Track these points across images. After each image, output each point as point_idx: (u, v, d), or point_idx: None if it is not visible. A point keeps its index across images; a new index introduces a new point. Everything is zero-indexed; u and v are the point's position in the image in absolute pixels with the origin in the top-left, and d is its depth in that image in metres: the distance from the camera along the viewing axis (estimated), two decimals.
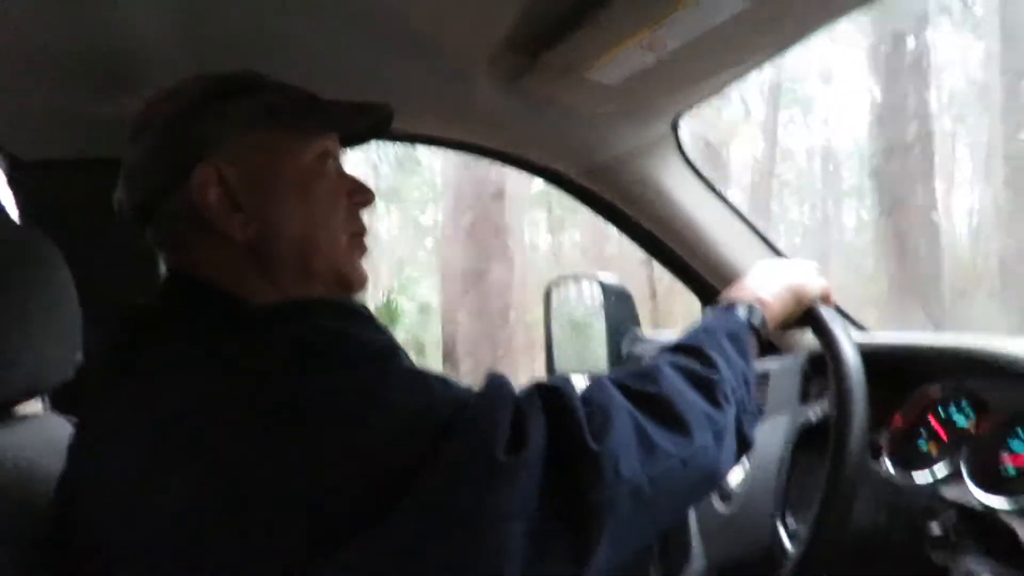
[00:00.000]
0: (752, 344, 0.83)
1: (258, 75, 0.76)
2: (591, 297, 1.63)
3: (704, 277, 1.42)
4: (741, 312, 0.84)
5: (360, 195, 0.78)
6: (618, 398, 0.67)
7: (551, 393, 0.64)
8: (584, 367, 1.66)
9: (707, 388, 0.72)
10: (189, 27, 0.97)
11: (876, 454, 1.09)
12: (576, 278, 1.70)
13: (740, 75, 1.14)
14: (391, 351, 0.64)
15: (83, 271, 0.82)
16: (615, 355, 1.55)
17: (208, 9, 0.93)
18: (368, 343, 0.63)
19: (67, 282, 0.80)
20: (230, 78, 0.74)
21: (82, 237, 1.06)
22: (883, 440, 1.10)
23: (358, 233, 0.78)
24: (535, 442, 0.60)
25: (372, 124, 0.83)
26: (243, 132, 0.72)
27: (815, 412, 0.96)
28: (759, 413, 0.80)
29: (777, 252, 1.42)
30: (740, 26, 0.88)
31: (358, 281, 0.78)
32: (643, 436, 0.66)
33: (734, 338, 0.80)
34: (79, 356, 0.81)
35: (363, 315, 0.69)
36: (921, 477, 1.00)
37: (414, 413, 0.59)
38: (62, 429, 0.84)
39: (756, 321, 0.84)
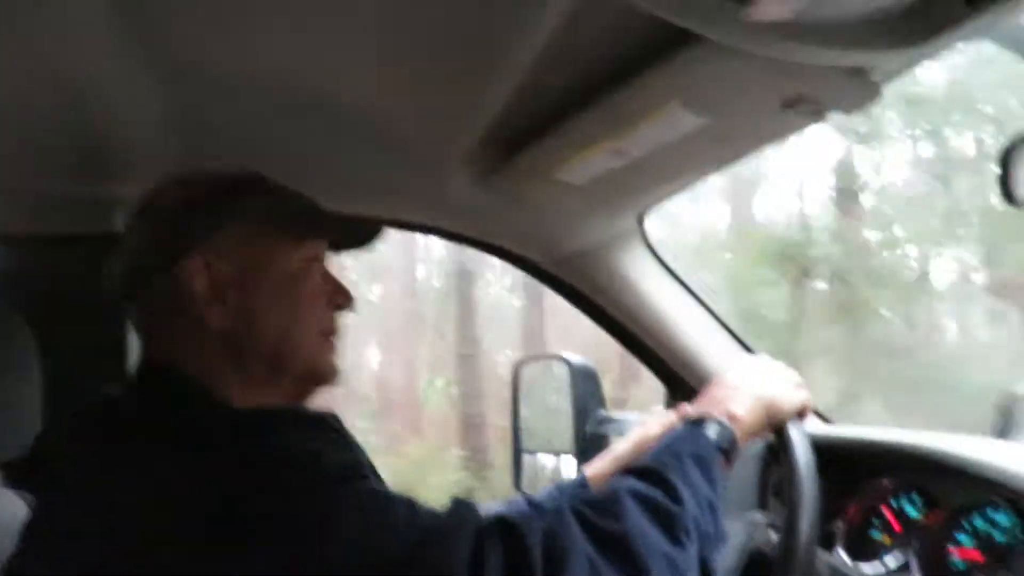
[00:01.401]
0: (720, 465, 0.80)
1: (263, 177, 0.80)
2: (558, 377, 1.66)
3: (672, 368, 1.46)
4: (710, 432, 0.81)
5: (340, 298, 0.81)
6: (578, 538, 0.66)
7: (511, 531, 0.65)
8: (550, 448, 1.67)
9: (670, 524, 0.70)
10: (172, 123, 1.01)
11: (830, 544, 1.12)
12: (543, 357, 1.72)
13: (702, 177, 1.20)
14: (355, 472, 0.65)
15: (50, 348, 0.84)
16: (581, 436, 1.57)
17: (191, 106, 0.98)
18: (332, 464, 0.64)
19: (31, 358, 0.81)
20: (238, 176, 0.78)
21: (51, 314, 1.07)
22: (838, 529, 1.13)
23: (330, 332, 0.80)
24: None
25: (360, 236, 0.86)
26: (240, 229, 0.75)
27: (765, 540, 0.98)
28: (723, 538, 0.79)
29: (745, 346, 1.47)
30: (698, 140, 0.95)
31: (330, 375, 0.79)
32: None
33: (701, 462, 0.78)
34: (37, 433, 0.81)
35: (333, 430, 0.70)
36: (872, 568, 1.04)
37: (372, 540, 0.60)
38: (13, 506, 0.83)
39: (725, 443, 0.81)
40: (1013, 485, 0.91)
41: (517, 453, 1.69)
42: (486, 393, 7.24)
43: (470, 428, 7.21)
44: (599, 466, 1.03)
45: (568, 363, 1.60)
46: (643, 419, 1.36)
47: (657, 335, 1.42)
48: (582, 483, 1.03)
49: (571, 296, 1.45)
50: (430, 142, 1.09)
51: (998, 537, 0.95)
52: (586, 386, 1.59)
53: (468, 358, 7.40)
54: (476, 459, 7.02)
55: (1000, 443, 1.05)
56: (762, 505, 1.25)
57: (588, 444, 1.57)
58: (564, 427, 1.60)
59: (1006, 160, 0.78)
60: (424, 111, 1.01)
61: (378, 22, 0.81)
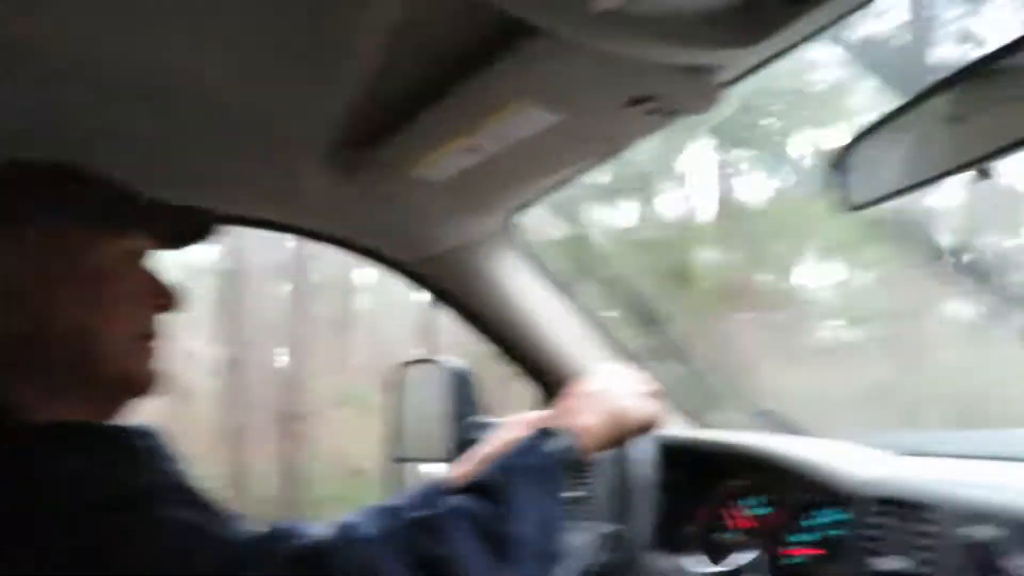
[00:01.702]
0: (560, 479, 0.78)
1: (76, 168, 0.73)
2: (437, 381, 1.62)
3: (541, 369, 1.45)
4: (552, 444, 0.79)
5: (161, 299, 0.75)
6: (395, 566, 0.65)
7: (323, 560, 0.63)
8: (429, 454, 1.63)
9: (499, 545, 0.69)
10: (18, 113, 0.93)
11: (684, 547, 1.13)
12: (427, 360, 1.69)
13: (570, 178, 1.20)
14: (146, 496, 0.61)
15: None
16: (454, 442, 1.54)
17: (40, 97, 0.90)
18: (116, 488, 0.60)
19: None
20: (44, 168, 0.71)
21: None
22: (691, 532, 1.15)
23: (147, 336, 0.74)
24: None
25: (191, 228, 0.80)
26: (41, 223, 0.68)
27: (606, 552, 0.98)
28: (558, 557, 0.76)
29: (623, 348, 1.47)
30: (554, 138, 0.94)
31: (143, 384, 0.73)
32: None
33: (540, 476, 0.76)
34: None
35: (133, 448, 0.65)
36: (721, 568, 1.05)
37: (152, 571, 0.57)
38: None
39: (568, 456, 0.79)
40: (842, 485, 0.95)
41: (399, 462, 1.65)
42: (254, 403, 6.86)
43: (227, 441, 6.82)
44: (462, 470, 1.01)
45: (445, 366, 1.57)
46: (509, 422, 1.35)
47: (528, 337, 1.41)
48: (441, 489, 1.00)
49: (439, 295, 1.43)
50: (285, 136, 1.05)
51: (833, 532, 0.98)
52: (462, 391, 1.57)
53: (234, 363, 6.49)
54: (231, 476, 6.64)
55: (838, 445, 1.08)
56: (622, 515, 1.25)
57: (462, 451, 1.54)
58: (441, 433, 1.57)
59: (838, 165, 0.80)
60: (276, 103, 0.97)
61: (223, 8, 0.77)
